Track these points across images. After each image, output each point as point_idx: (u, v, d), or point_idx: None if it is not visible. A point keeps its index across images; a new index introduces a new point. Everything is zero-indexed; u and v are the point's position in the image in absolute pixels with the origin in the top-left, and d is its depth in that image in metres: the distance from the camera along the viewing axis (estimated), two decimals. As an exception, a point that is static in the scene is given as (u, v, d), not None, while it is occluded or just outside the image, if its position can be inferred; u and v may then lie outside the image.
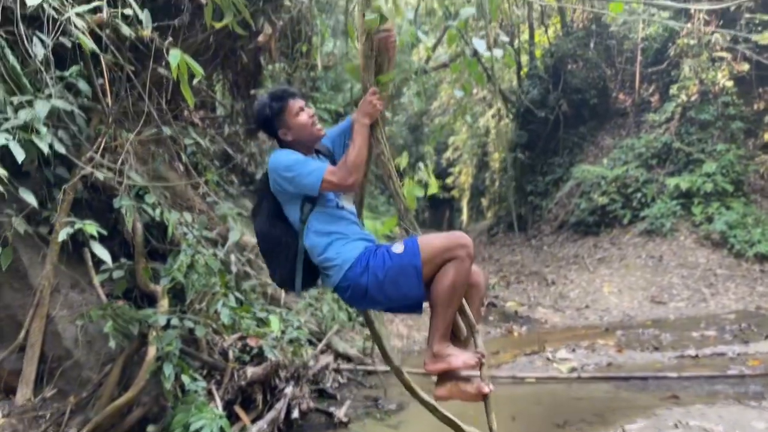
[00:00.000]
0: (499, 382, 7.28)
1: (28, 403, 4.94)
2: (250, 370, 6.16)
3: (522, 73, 20.79)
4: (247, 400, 6.19)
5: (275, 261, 2.97)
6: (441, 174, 26.48)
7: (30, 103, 4.65)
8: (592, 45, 19.04)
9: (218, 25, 5.09)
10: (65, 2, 4.67)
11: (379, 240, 3.07)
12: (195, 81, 5.87)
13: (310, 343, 7.95)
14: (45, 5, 4.53)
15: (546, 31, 20.48)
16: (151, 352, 5.27)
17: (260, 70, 8.80)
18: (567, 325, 11.38)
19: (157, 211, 5.91)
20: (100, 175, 5.36)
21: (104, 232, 5.10)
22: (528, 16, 20.16)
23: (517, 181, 20.78)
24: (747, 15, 14.91)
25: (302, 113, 2.93)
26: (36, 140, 4.58)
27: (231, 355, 6.31)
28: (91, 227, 4.92)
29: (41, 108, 4.63)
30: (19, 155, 4.37)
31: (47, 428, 4.86)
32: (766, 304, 11.34)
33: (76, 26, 4.55)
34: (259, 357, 6.47)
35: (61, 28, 4.69)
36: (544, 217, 18.84)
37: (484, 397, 2.73)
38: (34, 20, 4.76)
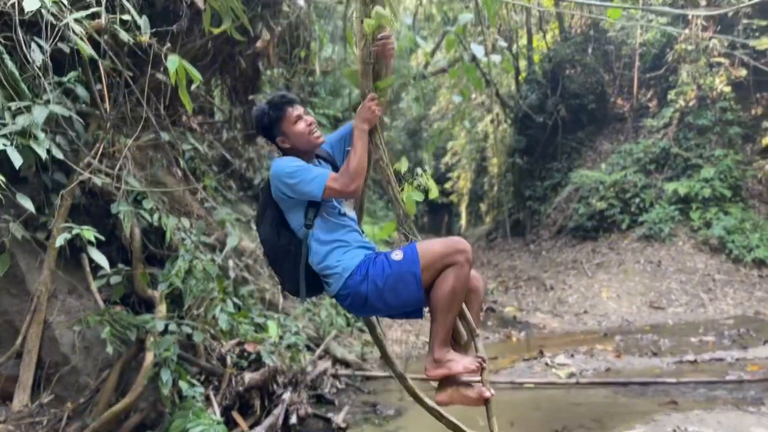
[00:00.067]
0: (498, 388, 7.23)
1: (25, 409, 4.91)
2: (248, 376, 6.15)
3: (520, 78, 20.84)
4: (245, 405, 6.19)
5: (284, 269, 2.96)
6: (439, 179, 26.47)
7: (28, 109, 4.65)
8: (590, 50, 19.10)
9: (216, 31, 5.09)
10: (63, 8, 4.67)
11: (377, 245, 3.07)
12: (193, 86, 5.86)
13: (308, 348, 7.94)
14: (43, 11, 4.53)
15: (544, 36, 20.54)
16: (149, 357, 5.26)
17: (258, 76, 8.81)
18: (565, 331, 11.37)
19: (155, 216, 5.90)
20: (97, 180, 5.35)
21: (102, 238, 5.09)
22: (526, 22, 20.22)
23: (516, 186, 20.81)
24: (745, 20, 14.97)
25: (300, 122, 2.92)
26: (34, 146, 4.58)
27: (229, 360, 6.30)
28: (89, 233, 4.91)
29: (39, 113, 4.63)
30: (17, 161, 4.36)
31: (44, 434, 4.85)
32: (765, 309, 11.35)
33: (74, 32, 4.55)
34: (257, 362, 6.46)
35: (59, 34, 4.70)
36: (543, 222, 18.86)
37: (485, 402, 2.73)
38: (33, 26, 4.76)
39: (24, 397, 4.97)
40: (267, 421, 5.93)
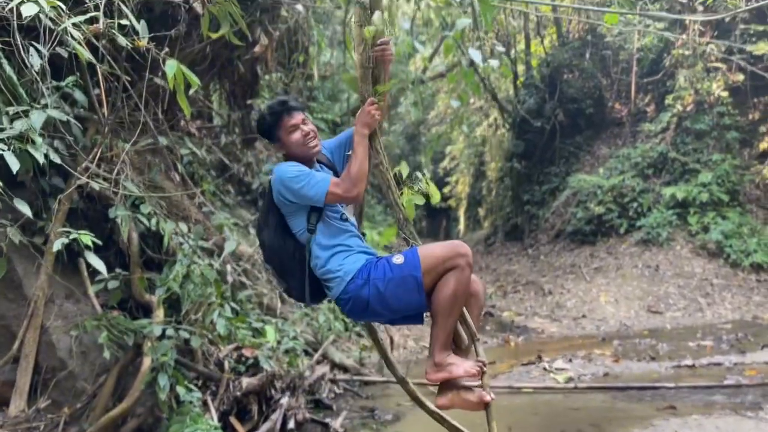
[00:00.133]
0: (496, 392, 7.18)
1: (21, 414, 4.90)
2: (246, 381, 6.14)
3: (518, 82, 20.87)
4: (242, 410, 6.17)
5: (288, 274, 2.96)
6: (438, 183, 26.30)
7: (26, 113, 4.64)
8: (587, 55, 19.14)
9: (215, 36, 5.09)
10: (62, 13, 4.67)
11: (377, 251, 3.07)
12: (191, 91, 5.86)
13: (306, 353, 7.93)
14: (41, 15, 4.53)
15: (542, 41, 20.57)
16: (146, 362, 5.25)
17: (257, 80, 8.82)
18: (564, 335, 11.36)
19: (153, 221, 5.90)
20: (95, 185, 5.34)
21: (99, 242, 5.07)
22: (524, 27, 20.26)
23: (514, 190, 20.82)
24: (742, 26, 15.02)
25: (295, 132, 2.91)
26: (31, 150, 4.56)
27: (226, 365, 6.28)
28: (86, 237, 4.89)
29: (37, 118, 4.62)
30: (14, 165, 4.34)
31: (41, 440, 4.83)
32: (763, 314, 11.36)
33: (72, 36, 4.54)
34: (254, 367, 6.45)
35: (57, 39, 4.69)
36: (541, 227, 18.86)
37: (485, 406, 2.73)
38: (31, 30, 4.76)
39: (21, 402, 4.96)
40: (265, 427, 5.92)
